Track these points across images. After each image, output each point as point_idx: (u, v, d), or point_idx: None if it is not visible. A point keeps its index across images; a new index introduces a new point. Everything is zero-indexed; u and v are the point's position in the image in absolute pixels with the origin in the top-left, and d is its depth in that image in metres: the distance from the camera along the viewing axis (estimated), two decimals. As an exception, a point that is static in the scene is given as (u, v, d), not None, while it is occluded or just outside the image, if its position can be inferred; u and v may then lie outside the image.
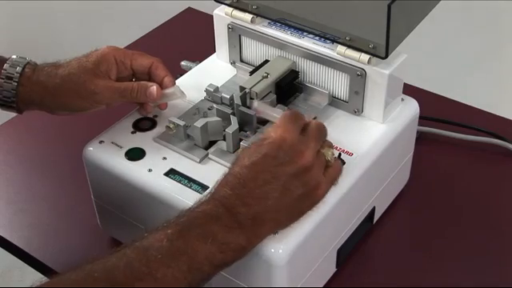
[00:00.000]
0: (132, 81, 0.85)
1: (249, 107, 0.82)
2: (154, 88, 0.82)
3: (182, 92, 0.85)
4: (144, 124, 0.85)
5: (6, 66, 0.81)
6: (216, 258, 0.64)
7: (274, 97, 0.84)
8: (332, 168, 0.72)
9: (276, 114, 0.79)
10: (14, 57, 0.82)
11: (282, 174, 0.66)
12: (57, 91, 0.80)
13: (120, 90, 0.81)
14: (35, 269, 0.91)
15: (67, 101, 0.81)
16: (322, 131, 0.72)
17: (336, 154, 0.71)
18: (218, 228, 0.64)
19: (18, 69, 0.81)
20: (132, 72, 0.85)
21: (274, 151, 0.67)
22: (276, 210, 0.67)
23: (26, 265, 0.92)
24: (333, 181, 0.72)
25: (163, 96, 0.84)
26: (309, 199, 0.69)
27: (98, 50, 0.83)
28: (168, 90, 0.84)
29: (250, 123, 0.82)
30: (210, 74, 0.93)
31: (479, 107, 1.12)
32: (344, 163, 0.79)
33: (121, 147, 0.82)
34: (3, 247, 0.94)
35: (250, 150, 0.68)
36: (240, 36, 0.91)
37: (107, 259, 0.61)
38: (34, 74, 0.81)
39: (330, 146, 0.73)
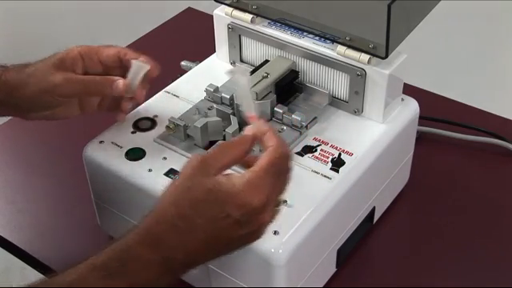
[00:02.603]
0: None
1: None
2: (120, 82, 0.79)
3: (145, 62, 0.81)
4: (144, 124, 0.85)
5: None
6: None
7: (274, 97, 0.84)
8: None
9: (250, 110, 0.70)
10: None
11: (234, 234, 0.63)
12: (22, 87, 0.80)
13: (84, 81, 0.80)
14: (35, 269, 0.91)
15: (31, 96, 0.79)
16: (288, 178, 0.66)
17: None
18: (147, 276, 0.61)
19: None
20: (102, 66, 0.83)
21: (238, 215, 0.61)
22: (213, 256, 0.65)
23: (26, 265, 0.92)
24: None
25: (132, 79, 0.81)
26: (245, 245, 0.66)
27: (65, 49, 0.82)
28: (131, 70, 0.81)
29: (249, 123, 0.81)
30: (210, 74, 0.93)
31: (479, 107, 1.12)
32: (344, 163, 0.79)
33: (121, 147, 0.82)
34: (3, 247, 0.94)
35: (217, 200, 0.61)
36: (240, 36, 0.91)
37: None
38: (3, 75, 0.81)
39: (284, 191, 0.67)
